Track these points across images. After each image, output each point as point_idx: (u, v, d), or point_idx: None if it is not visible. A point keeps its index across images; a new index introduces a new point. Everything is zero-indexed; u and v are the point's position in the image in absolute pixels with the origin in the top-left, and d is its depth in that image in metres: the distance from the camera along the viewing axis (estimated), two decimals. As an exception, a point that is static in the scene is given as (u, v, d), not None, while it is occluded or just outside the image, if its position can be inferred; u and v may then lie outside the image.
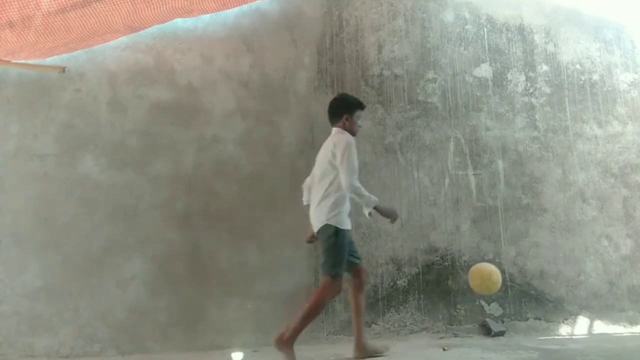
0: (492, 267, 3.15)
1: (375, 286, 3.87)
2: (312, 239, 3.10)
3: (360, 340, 2.98)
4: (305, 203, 3.18)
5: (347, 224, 2.90)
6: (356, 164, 2.85)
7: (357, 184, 2.82)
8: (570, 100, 4.38)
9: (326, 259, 2.87)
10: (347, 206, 2.93)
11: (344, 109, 3.03)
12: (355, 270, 3.03)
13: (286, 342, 2.82)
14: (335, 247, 2.84)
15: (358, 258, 3.06)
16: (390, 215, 2.96)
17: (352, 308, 3.04)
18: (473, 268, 3.24)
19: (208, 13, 3.94)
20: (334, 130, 3.04)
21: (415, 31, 4.32)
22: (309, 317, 2.84)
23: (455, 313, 3.88)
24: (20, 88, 3.78)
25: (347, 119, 3.01)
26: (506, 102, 4.31)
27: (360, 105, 3.10)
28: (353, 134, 3.00)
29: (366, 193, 2.83)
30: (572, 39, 4.49)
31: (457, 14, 4.40)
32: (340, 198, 2.88)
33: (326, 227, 2.86)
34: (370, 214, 2.86)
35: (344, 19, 4.25)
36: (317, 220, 2.94)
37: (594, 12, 4.55)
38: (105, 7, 3.15)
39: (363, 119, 4.06)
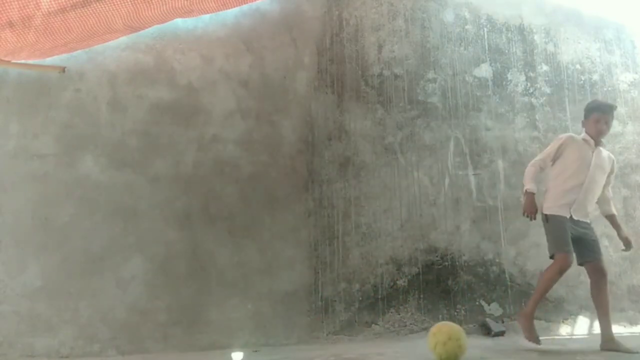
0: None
1: (375, 286, 3.87)
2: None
3: (607, 334, 3.12)
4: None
5: (555, 211, 3.19)
6: (546, 154, 3.31)
7: (529, 169, 3.28)
8: (570, 100, 4.38)
9: (548, 241, 3.27)
10: (559, 195, 3.22)
11: (585, 112, 3.37)
12: (589, 267, 3.22)
13: (525, 315, 3.17)
14: (547, 231, 3.24)
15: (591, 255, 3.20)
16: (524, 209, 3.23)
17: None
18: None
19: (208, 13, 3.94)
20: None
21: (415, 31, 4.32)
22: (541, 291, 3.17)
23: (455, 313, 3.88)
24: (20, 88, 3.78)
25: (584, 122, 3.36)
26: (506, 102, 4.31)
27: (595, 109, 3.30)
28: (591, 135, 3.26)
29: (526, 178, 3.26)
30: (572, 39, 4.49)
31: (457, 14, 4.40)
32: (550, 188, 3.30)
33: (542, 215, 3.28)
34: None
35: (344, 19, 4.25)
36: None
37: (594, 12, 4.55)
38: (105, 7, 3.14)
39: (363, 119, 4.11)
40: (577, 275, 4.04)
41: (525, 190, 3.22)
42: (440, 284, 3.93)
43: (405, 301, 3.87)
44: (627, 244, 3.34)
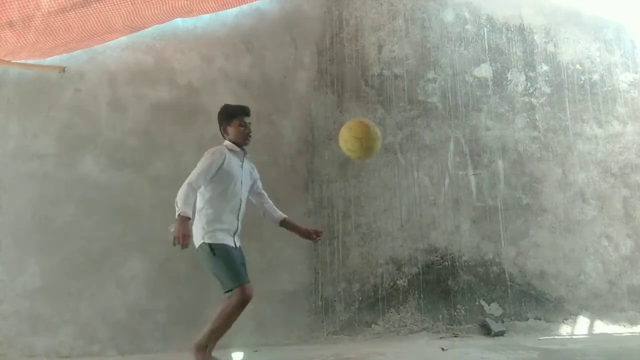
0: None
1: (375, 286, 3.87)
2: None
3: None
4: None
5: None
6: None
7: None
8: (570, 100, 4.38)
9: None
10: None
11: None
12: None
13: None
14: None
15: None
16: None
17: None
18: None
19: (208, 13, 3.94)
20: None
21: (415, 31, 4.32)
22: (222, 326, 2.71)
23: (455, 313, 3.88)
24: (20, 88, 3.78)
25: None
26: (506, 102, 4.30)
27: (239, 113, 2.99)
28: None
29: None
30: (572, 39, 4.49)
31: (457, 14, 4.40)
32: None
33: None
34: None
35: (344, 19, 4.25)
36: None
37: (594, 12, 4.55)
38: (105, 7, 3.15)
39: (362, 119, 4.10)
40: (577, 275, 4.05)
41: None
42: (440, 284, 3.93)
43: (405, 301, 3.87)
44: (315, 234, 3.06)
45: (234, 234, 2.84)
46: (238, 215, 2.86)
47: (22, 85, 3.78)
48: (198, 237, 2.79)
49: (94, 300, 3.53)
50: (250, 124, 2.98)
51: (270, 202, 3.13)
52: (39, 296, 3.50)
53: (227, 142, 2.96)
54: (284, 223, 3.09)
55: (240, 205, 2.88)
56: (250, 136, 2.98)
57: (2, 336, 3.42)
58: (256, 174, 3.09)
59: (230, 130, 2.94)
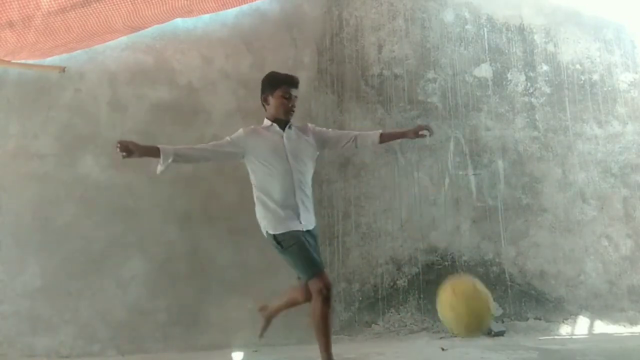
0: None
1: (375, 286, 3.87)
2: None
3: None
4: None
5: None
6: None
7: None
8: (570, 100, 4.37)
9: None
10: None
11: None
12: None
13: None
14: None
15: None
16: None
17: None
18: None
19: (208, 13, 3.94)
20: None
21: (415, 31, 4.32)
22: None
23: (455, 313, 3.88)
24: (20, 88, 3.78)
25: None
26: (506, 102, 4.30)
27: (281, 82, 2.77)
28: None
29: None
30: (572, 39, 4.48)
31: (457, 14, 4.40)
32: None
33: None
34: None
35: (344, 19, 4.25)
36: None
37: (594, 12, 4.55)
38: (105, 7, 3.15)
39: (363, 119, 4.11)
40: (577, 275, 4.05)
41: None
42: (440, 284, 3.92)
43: (405, 301, 3.87)
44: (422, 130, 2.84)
45: (298, 214, 2.61)
46: (294, 192, 2.62)
47: (22, 85, 3.78)
48: (262, 226, 2.70)
49: (94, 300, 3.53)
50: (296, 97, 2.73)
51: (355, 133, 2.88)
52: (39, 296, 3.50)
53: (265, 120, 2.76)
54: (383, 139, 2.85)
55: (294, 180, 2.62)
56: (293, 110, 2.72)
57: (2, 336, 3.42)
58: (312, 131, 2.81)
59: (272, 100, 2.70)
